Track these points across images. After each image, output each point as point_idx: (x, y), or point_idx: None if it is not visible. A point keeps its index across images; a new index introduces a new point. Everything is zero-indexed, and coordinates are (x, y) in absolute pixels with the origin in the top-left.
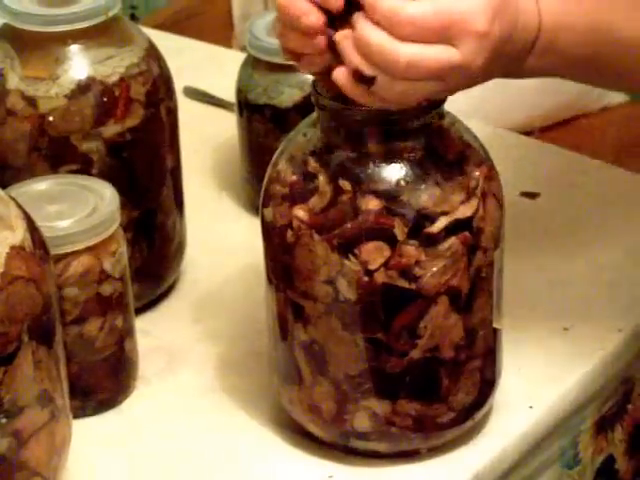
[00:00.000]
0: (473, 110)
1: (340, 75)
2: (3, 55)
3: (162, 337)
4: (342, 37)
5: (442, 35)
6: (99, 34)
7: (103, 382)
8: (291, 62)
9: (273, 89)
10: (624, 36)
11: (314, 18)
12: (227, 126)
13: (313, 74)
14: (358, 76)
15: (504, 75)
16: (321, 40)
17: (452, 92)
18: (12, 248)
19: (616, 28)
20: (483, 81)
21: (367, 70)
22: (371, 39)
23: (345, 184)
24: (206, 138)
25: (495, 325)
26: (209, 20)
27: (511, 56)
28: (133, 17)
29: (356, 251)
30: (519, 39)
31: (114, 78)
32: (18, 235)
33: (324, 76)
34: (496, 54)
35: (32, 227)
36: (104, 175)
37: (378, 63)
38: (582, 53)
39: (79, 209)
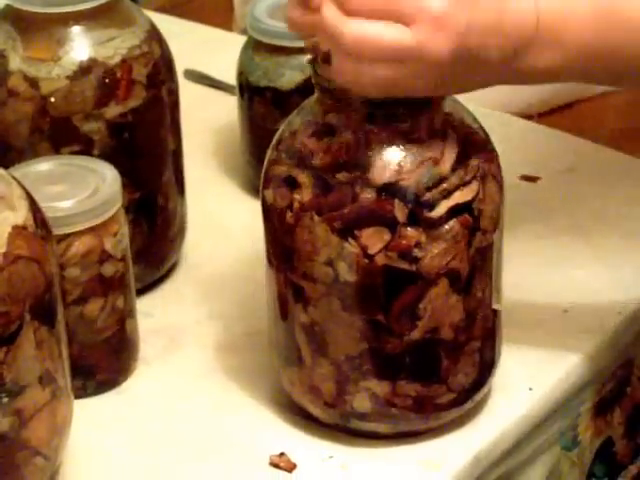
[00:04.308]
0: (474, 94)
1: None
2: (5, 36)
3: (163, 318)
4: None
5: (392, 14)
6: (101, 15)
7: (104, 362)
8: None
9: (274, 71)
10: (631, 16)
11: None
12: (228, 109)
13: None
14: (317, 51)
15: (499, 79)
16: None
17: (429, 88)
18: (14, 228)
19: (620, 8)
20: (471, 83)
21: (321, 45)
22: (323, 14)
23: (345, 166)
24: (207, 121)
25: (494, 306)
26: (209, 3)
27: (504, 50)
28: (134, 0)
29: (356, 233)
30: (511, 32)
31: (116, 59)
32: (20, 215)
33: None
34: (470, 45)
35: (34, 207)
36: (106, 156)
37: (328, 39)
38: (587, 42)
39: (81, 190)
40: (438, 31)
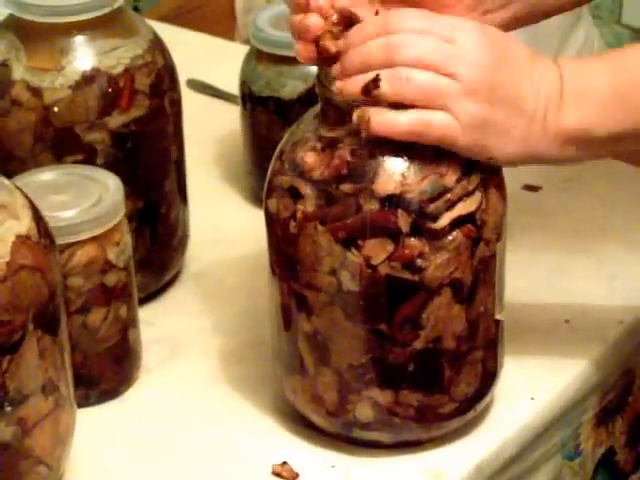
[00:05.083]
0: None
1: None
2: (8, 46)
3: (165, 327)
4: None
5: (432, 101)
6: (104, 25)
7: (106, 372)
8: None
9: (276, 81)
10: None
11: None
12: (230, 118)
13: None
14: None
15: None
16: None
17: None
18: (18, 237)
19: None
20: (516, 151)
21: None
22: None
23: (348, 177)
24: (209, 130)
25: (497, 316)
26: (211, 12)
27: (534, 115)
28: (136, 9)
29: (359, 244)
30: (543, 94)
31: (119, 69)
32: (24, 224)
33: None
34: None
35: (38, 216)
36: (109, 165)
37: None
38: (612, 99)
39: (84, 199)
40: (473, 103)
